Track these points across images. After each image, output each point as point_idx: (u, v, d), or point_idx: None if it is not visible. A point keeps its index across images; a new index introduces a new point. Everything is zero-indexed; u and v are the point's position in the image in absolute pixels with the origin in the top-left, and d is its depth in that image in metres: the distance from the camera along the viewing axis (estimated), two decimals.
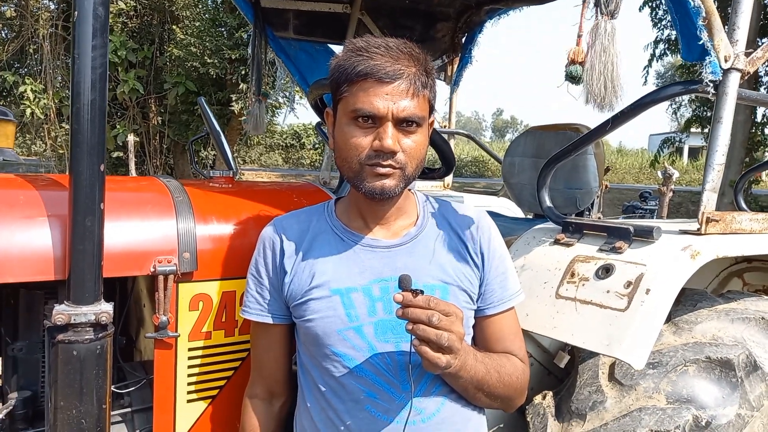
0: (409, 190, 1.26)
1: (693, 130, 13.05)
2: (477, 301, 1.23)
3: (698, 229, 1.33)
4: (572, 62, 1.15)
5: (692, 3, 1.19)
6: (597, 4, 1.13)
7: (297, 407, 1.28)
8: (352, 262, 1.19)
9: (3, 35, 11.50)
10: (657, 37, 12.64)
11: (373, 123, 1.09)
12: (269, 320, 1.24)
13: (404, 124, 1.09)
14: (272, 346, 1.28)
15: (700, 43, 1.23)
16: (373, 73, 1.06)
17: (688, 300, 1.46)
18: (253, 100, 2.73)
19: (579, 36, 1.15)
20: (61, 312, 1.10)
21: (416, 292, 0.96)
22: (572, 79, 1.16)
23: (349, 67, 1.08)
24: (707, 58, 1.24)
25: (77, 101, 1.08)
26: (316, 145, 23.96)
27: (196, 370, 1.36)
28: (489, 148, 3.58)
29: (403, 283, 0.97)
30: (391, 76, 1.07)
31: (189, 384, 1.36)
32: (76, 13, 1.08)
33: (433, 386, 1.16)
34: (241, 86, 9.91)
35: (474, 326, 1.25)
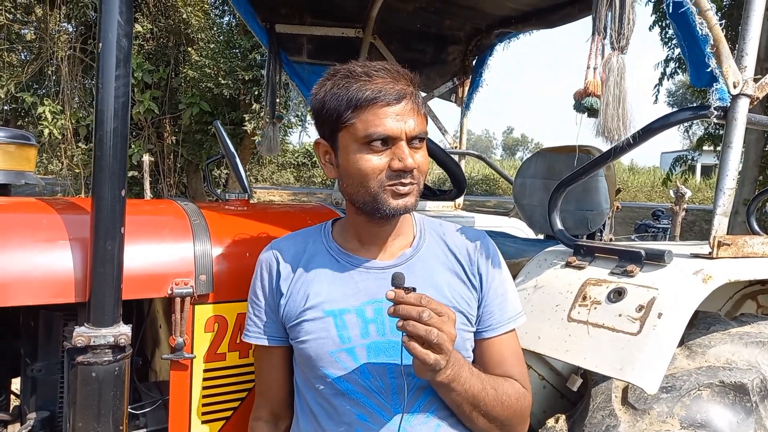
0: None
1: (705, 148, 12.95)
2: (475, 324, 1.22)
3: (710, 253, 1.34)
4: (590, 94, 1.16)
5: (700, 31, 1.21)
6: (604, 37, 1.15)
7: (291, 429, 1.28)
8: (346, 283, 1.20)
9: (22, 57, 11.78)
10: (668, 55, 12.65)
11: (385, 145, 1.10)
12: (268, 343, 1.25)
13: (414, 141, 1.12)
14: (273, 369, 1.28)
15: (708, 70, 1.24)
16: (380, 97, 1.08)
17: (701, 323, 1.45)
18: (268, 122, 2.78)
19: (594, 69, 1.16)
20: (82, 334, 1.13)
21: (408, 290, 0.96)
22: (587, 110, 1.17)
23: (350, 93, 1.09)
24: (715, 84, 1.26)
25: (100, 129, 1.12)
26: None
27: (210, 392, 1.38)
28: (500, 169, 3.60)
29: (396, 281, 0.98)
30: (398, 98, 1.09)
31: (204, 405, 1.37)
32: (100, 44, 1.12)
33: (429, 408, 1.15)
34: (254, 106, 10.05)
35: (474, 349, 1.23)
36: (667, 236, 9.55)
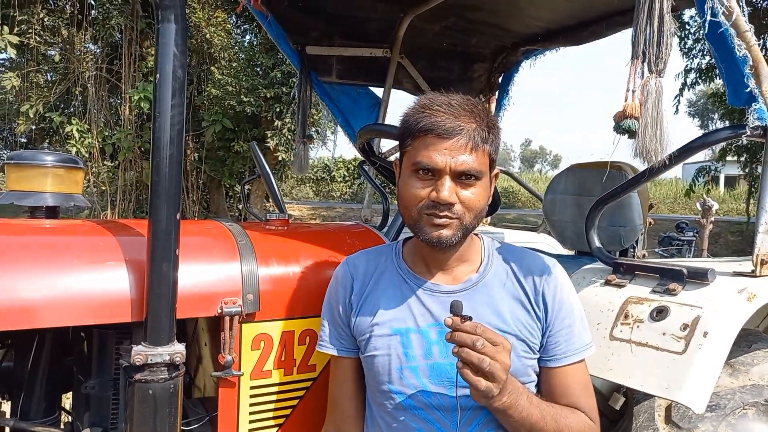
0: (475, 234, 1.29)
1: (729, 158, 12.75)
2: (539, 351, 1.22)
3: (753, 271, 1.34)
4: (629, 116, 1.18)
5: (739, 52, 1.23)
6: (643, 60, 1.17)
7: None
8: (413, 304, 1.24)
9: (49, 77, 12.09)
10: (687, 65, 12.53)
11: (433, 176, 1.15)
12: (338, 353, 1.31)
13: (463, 177, 1.15)
14: (343, 382, 1.32)
15: (747, 90, 1.26)
16: (433, 129, 1.13)
17: (742, 341, 1.45)
18: (299, 141, 2.83)
19: (633, 92, 1.19)
20: (140, 352, 1.17)
21: (465, 318, 1.01)
22: (627, 132, 1.20)
23: (413, 122, 1.16)
24: (754, 104, 1.28)
25: (157, 156, 1.17)
26: (346, 178, 24.29)
27: (257, 408, 1.41)
28: (529, 185, 3.60)
29: (454, 308, 1.03)
30: (450, 133, 1.12)
31: (251, 422, 1.40)
32: (158, 75, 1.17)
33: (485, 429, 1.18)
34: (275, 123, 10.17)
35: (539, 376, 1.24)
36: (692, 249, 9.41)
